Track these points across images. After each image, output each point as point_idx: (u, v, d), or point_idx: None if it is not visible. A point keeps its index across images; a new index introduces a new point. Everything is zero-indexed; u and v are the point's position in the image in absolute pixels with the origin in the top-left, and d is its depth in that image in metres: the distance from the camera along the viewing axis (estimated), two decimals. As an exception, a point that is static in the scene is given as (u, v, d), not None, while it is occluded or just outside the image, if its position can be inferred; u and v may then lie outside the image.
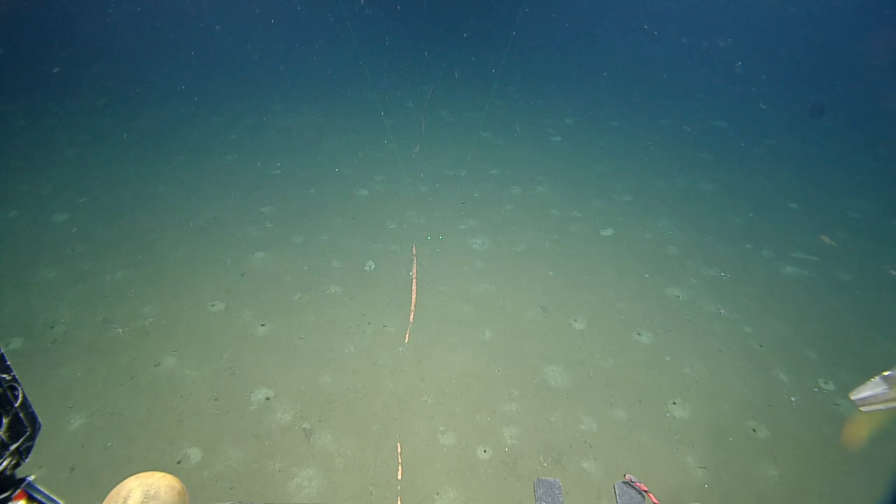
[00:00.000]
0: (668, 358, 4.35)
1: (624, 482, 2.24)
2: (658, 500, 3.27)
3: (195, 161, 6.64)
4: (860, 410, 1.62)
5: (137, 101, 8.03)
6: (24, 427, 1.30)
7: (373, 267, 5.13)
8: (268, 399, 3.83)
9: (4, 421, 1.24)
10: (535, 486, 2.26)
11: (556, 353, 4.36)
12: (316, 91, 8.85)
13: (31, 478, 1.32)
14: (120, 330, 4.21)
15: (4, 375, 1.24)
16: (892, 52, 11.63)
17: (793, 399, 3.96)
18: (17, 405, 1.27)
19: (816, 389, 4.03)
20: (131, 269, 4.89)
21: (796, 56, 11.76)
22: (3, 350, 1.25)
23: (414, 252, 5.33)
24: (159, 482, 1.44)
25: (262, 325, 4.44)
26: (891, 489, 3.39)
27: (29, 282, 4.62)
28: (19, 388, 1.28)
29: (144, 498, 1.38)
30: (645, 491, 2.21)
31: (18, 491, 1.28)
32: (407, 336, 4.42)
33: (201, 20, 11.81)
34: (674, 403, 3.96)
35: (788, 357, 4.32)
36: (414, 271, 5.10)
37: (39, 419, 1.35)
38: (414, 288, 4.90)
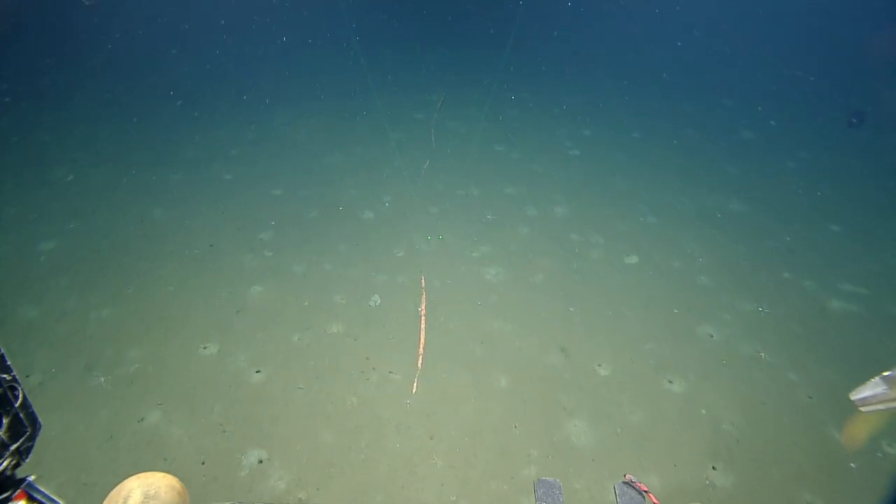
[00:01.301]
0: (703, 411, 3.91)
1: (624, 482, 2.16)
2: (658, 500, 3.26)
3: (192, 180, 6.29)
4: (860, 410, 1.61)
5: (134, 113, 7.69)
6: (25, 427, 1.30)
7: (378, 302, 4.73)
8: (261, 462, 3.45)
9: (5, 421, 1.24)
10: (536, 487, 2.15)
11: (579, 404, 3.94)
12: (320, 101, 8.46)
13: (32, 478, 1.32)
14: (102, 379, 3.87)
15: (4, 375, 1.24)
16: None
17: (852, 465, 3.51)
18: (17, 405, 1.27)
19: (879, 454, 3.57)
20: (119, 304, 4.54)
21: (833, 56, 11.15)
22: (2, 350, 1.22)
23: (423, 284, 4.92)
24: (159, 482, 1.45)
25: (258, 371, 4.07)
26: (891, 489, 3.40)
27: (7, 321, 4.29)
28: (19, 389, 1.28)
29: (144, 498, 1.39)
30: (645, 491, 2.14)
31: (18, 491, 1.28)
32: (415, 385, 4.03)
33: (201, 29, 11.48)
34: (713, 468, 3.52)
35: (843, 411, 3.86)
36: (423, 307, 4.70)
37: (39, 419, 1.34)
38: (422, 326, 4.50)
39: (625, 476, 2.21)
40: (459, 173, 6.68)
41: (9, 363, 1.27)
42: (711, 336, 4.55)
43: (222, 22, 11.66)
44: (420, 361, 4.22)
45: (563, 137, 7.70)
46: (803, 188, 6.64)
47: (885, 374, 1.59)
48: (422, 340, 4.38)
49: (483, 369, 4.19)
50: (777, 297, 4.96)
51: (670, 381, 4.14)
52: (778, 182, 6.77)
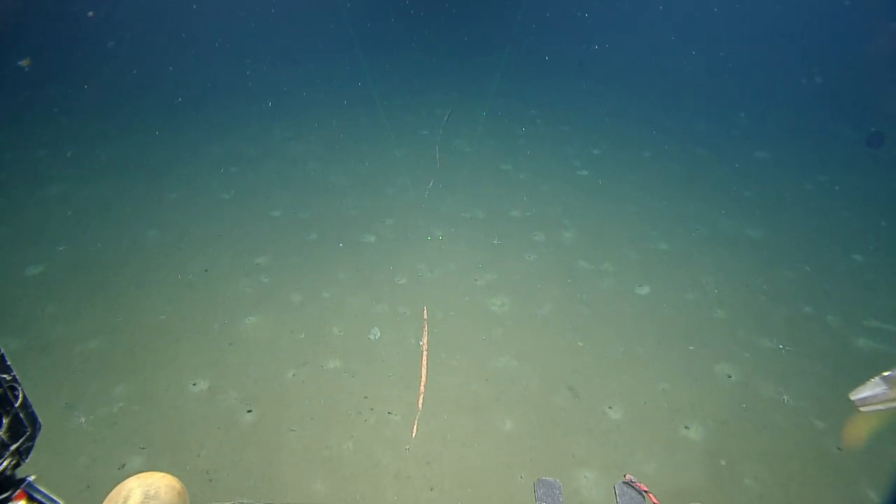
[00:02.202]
0: (723, 462, 3.65)
1: (624, 482, 2.16)
2: (658, 500, 3.04)
3: (190, 199, 6.11)
4: (860, 411, 1.61)
5: (132, 127, 7.55)
6: (25, 427, 1.30)
7: (378, 335, 4.51)
8: (248, 515, 3.22)
9: (5, 421, 1.24)
10: (536, 487, 2.16)
11: (589, 451, 3.69)
12: (323, 116, 8.30)
13: (32, 478, 1.31)
14: (83, 419, 3.65)
15: (4, 375, 1.24)
16: None
17: (887, 531, 3.24)
18: (17, 405, 1.27)
19: (916, 518, 3.30)
20: (107, 335, 4.34)
21: (849, 72, 10.91)
22: (2, 350, 1.22)
23: (425, 316, 4.70)
24: (159, 482, 1.45)
25: (249, 410, 3.85)
26: (891, 489, 3.34)
27: (-11, 354, 4.09)
28: (19, 389, 1.28)
29: (144, 498, 1.38)
30: (645, 491, 2.15)
31: (18, 491, 1.28)
32: (415, 428, 3.79)
33: (201, 40, 11.38)
34: (736, 529, 3.26)
35: (877, 466, 3.59)
36: (425, 340, 4.47)
37: (39, 419, 1.34)
38: (424, 363, 4.27)
39: (625, 476, 2.18)
40: (464, 194, 6.48)
41: (9, 363, 1.25)
42: (729, 376, 4.29)
43: (222, 30, 11.57)
44: (421, 401, 3.98)
45: (571, 156, 7.48)
46: (822, 213, 6.38)
47: (885, 374, 1.58)
48: (423, 378, 4.15)
49: (487, 410, 3.95)
50: (798, 334, 4.70)
51: (686, 427, 3.88)
52: (795, 206, 6.52)
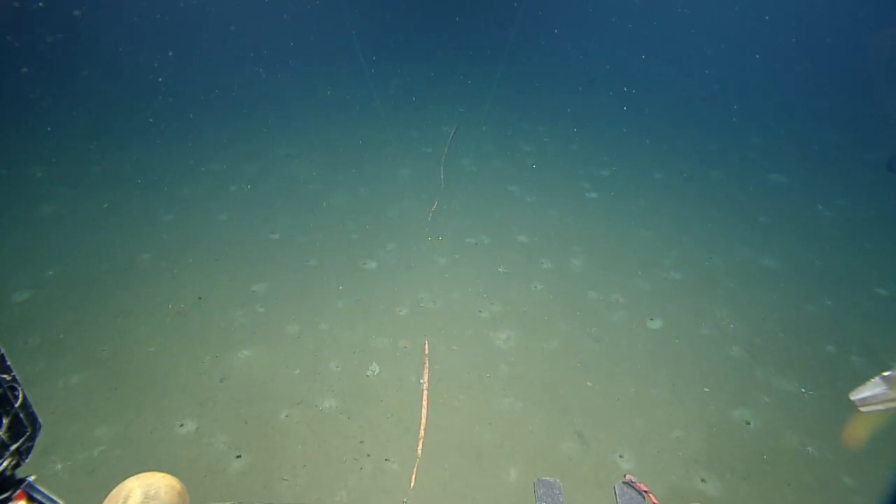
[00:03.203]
0: (745, 522, 3.39)
1: (624, 482, 2.12)
2: (658, 500, 3.10)
3: (185, 221, 5.92)
4: (860, 411, 1.59)
5: (133, 143, 7.40)
6: (25, 427, 1.30)
7: (377, 371, 4.29)
8: (232, 578, 2.99)
9: (4, 421, 1.24)
10: (535, 487, 2.10)
11: (600, 507, 3.44)
12: (326, 132, 8.13)
13: (32, 478, 1.32)
14: (59, 466, 3.44)
15: (4, 376, 1.25)
16: None
17: None
18: (17, 405, 1.28)
19: None
20: (91, 369, 4.14)
21: (866, 89, 10.67)
22: (2, 351, 1.22)
23: (427, 351, 4.47)
24: (159, 482, 1.43)
25: (238, 455, 3.62)
26: (891, 489, 3.30)
27: (-33, 390, 3.90)
28: (19, 389, 1.29)
29: (144, 498, 1.37)
30: (645, 491, 2.09)
31: (18, 491, 1.28)
32: (413, 477, 3.55)
33: (200, 50, 11.28)
34: None
35: (909, 533, 3.32)
36: (425, 378, 4.24)
37: (39, 419, 1.34)
38: (424, 403, 4.04)
39: (625, 476, 2.13)
40: (469, 217, 6.26)
41: (9, 363, 1.25)
42: (748, 423, 4.04)
43: (223, 40, 11.47)
44: (420, 446, 3.75)
45: (580, 177, 7.26)
46: (842, 242, 6.12)
47: (885, 374, 1.56)
48: (423, 420, 3.92)
49: (490, 458, 3.71)
50: (821, 376, 4.44)
51: (703, 481, 3.63)
52: (814, 234, 6.26)
